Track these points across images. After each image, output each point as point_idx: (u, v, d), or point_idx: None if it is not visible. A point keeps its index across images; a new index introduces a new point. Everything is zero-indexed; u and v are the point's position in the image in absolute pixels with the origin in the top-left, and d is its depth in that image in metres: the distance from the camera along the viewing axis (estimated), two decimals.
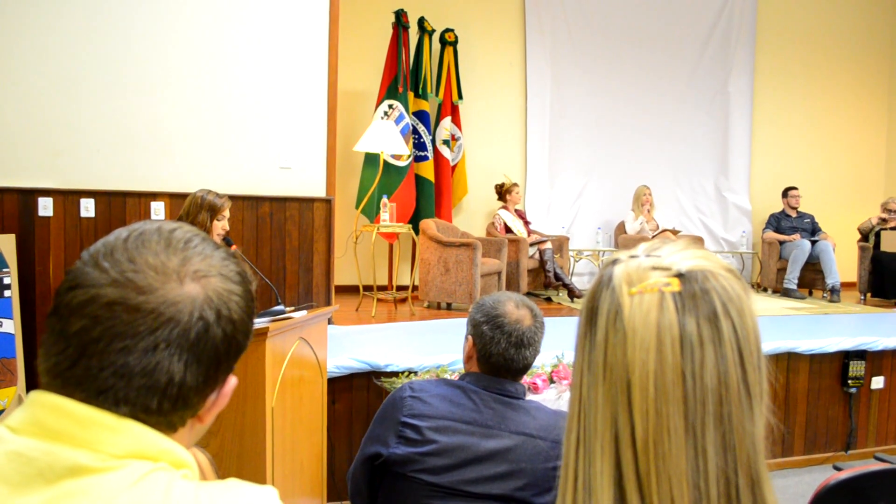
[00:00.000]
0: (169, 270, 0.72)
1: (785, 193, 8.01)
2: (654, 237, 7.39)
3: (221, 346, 0.75)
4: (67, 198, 4.36)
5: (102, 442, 0.67)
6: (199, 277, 0.74)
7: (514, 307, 1.77)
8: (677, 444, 0.67)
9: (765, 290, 7.86)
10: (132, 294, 0.70)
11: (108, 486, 0.65)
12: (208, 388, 0.76)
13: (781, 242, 7.67)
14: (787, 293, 7.40)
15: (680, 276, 0.70)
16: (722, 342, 0.69)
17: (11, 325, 3.98)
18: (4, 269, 4.00)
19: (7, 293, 3.99)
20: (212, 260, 0.76)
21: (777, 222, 7.93)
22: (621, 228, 8.01)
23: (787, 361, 4.53)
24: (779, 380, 4.52)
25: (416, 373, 3.76)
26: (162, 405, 0.71)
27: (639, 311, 0.69)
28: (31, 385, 4.11)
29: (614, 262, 0.74)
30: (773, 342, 4.48)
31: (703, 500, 0.66)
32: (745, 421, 0.69)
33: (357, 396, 3.82)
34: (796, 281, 7.39)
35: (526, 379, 3.47)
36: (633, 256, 0.74)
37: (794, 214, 7.92)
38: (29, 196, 4.29)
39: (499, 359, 1.74)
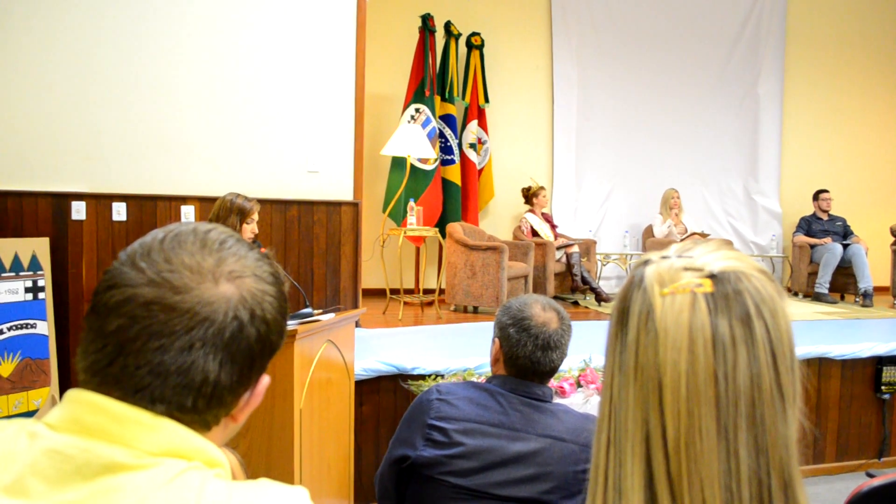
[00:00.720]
0: (204, 271, 0.74)
1: (816, 196, 7.90)
2: (682, 241, 7.35)
3: (255, 346, 0.76)
4: (100, 202, 4.43)
5: (138, 439, 0.69)
6: (233, 278, 0.75)
7: (541, 310, 1.77)
8: (709, 446, 0.66)
9: (796, 294, 7.75)
10: (168, 294, 0.71)
11: (143, 484, 0.66)
12: (242, 388, 0.77)
13: (812, 246, 7.57)
14: (818, 297, 7.29)
15: (712, 276, 0.70)
16: (755, 343, 0.68)
17: (45, 327, 4.05)
18: (39, 272, 4.07)
19: (41, 295, 4.06)
20: (246, 261, 0.78)
21: (808, 225, 7.82)
22: (649, 232, 7.95)
23: (818, 367, 4.47)
24: (810, 385, 4.46)
25: (442, 376, 3.76)
26: (197, 403, 0.73)
27: (671, 312, 0.68)
28: (65, 385, 4.18)
29: (645, 262, 0.74)
30: (804, 347, 4.41)
31: (734, 501, 0.66)
32: (777, 423, 0.69)
33: (384, 399, 3.83)
34: (828, 285, 7.28)
35: (553, 383, 3.46)
36: (664, 257, 0.74)
37: (825, 217, 7.81)
38: (62, 200, 4.37)
39: (525, 361, 1.73)
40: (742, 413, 0.67)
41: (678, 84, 8.46)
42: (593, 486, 0.74)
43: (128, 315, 0.70)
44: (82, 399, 0.70)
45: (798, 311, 6.47)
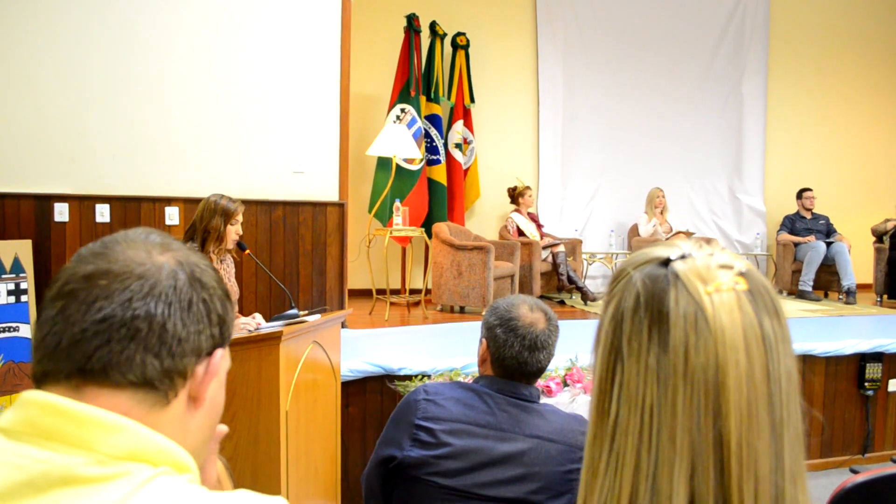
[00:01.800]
0: (137, 247, 0.76)
1: (799, 195, 7.96)
2: (667, 239, 7.39)
3: (198, 307, 0.77)
4: (83, 203, 4.39)
5: (98, 441, 0.66)
6: (165, 250, 0.78)
7: (528, 310, 1.77)
8: (763, 445, 0.66)
9: (780, 292, 7.79)
10: (104, 263, 0.73)
11: (106, 497, 0.63)
12: (192, 350, 0.76)
13: (796, 244, 7.62)
14: (802, 295, 7.35)
15: (742, 274, 0.70)
16: (786, 338, 0.70)
17: (28, 330, 4.02)
18: (21, 275, 4.03)
19: (24, 298, 4.02)
20: (173, 242, 0.80)
21: (791, 224, 7.87)
22: (634, 231, 7.98)
23: (802, 364, 4.46)
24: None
25: (429, 376, 3.76)
26: (146, 363, 0.72)
27: (723, 311, 0.67)
28: None
29: (666, 262, 0.71)
30: None
31: (781, 498, 0.66)
32: (799, 415, 0.70)
33: (371, 400, 3.83)
34: (811, 283, 7.34)
35: (540, 382, 3.46)
36: (686, 255, 0.71)
37: (808, 216, 7.87)
38: (45, 202, 4.33)
39: (512, 362, 1.73)
40: (786, 408, 0.68)
41: (663, 83, 8.50)
42: (598, 496, 0.70)
43: (69, 293, 0.71)
44: (37, 401, 0.68)
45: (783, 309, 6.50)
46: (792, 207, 8.09)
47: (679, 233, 7.66)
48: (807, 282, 7.33)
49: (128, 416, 0.69)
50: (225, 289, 0.82)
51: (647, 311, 0.69)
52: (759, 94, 8.74)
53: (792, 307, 6.65)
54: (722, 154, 8.75)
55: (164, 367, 0.73)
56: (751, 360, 0.67)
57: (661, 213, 7.78)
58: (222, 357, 0.81)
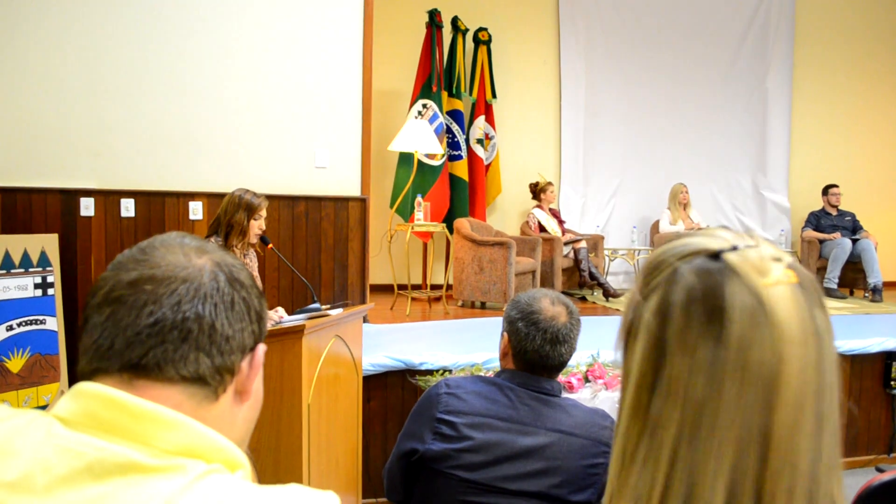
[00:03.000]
0: (175, 250, 0.79)
1: (825, 191, 7.86)
2: None
3: (240, 306, 0.80)
4: (108, 198, 4.44)
5: (156, 437, 0.69)
6: (201, 253, 0.80)
7: (550, 304, 1.76)
8: (807, 438, 0.66)
9: None
10: (147, 269, 0.75)
11: (162, 488, 0.65)
12: (238, 346, 0.79)
13: (821, 241, 7.53)
14: (827, 293, 7.25)
15: (790, 266, 0.69)
16: (831, 332, 0.69)
17: (55, 323, 4.07)
18: (48, 268, 4.09)
19: (51, 291, 4.08)
20: (208, 244, 0.83)
21: (817, 220, 7.78)
22: (657, 227, 7.93)
23: None
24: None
25: (450, 371, 3.77)
26: (199, 360, 0.75)
27: (783, 304, 0.66)
28: (74, 381, 4.19)
29: (715, 254, 0.69)
30: None
31: (817, 493, 0.66)
32: (839, 410, 0.70)
33: (391, 394, 3.84)
34: (837, 280, 7.25)
35: (561, 378, 3.46)
36: (735, 247, 0.69)
37: (834, 212, 7.77)
38: (71, 196, 4.39)
39: (534, 355, 1.73)
40: (829, 402, 0.68)
41: (687, 78, 8.43)
42: (632, 490, 0.69)
43: (116, 300, 0.74)
44: (97, 393, 0.70)
45: None
46: (817, 204, 7.98)
47: (702, 229, 7.58)
48: (832, 279, 7.25)
49: (179, 410, 0.72)
50: (258, 286, 0.85)
51: (702, 305, 0.67)
52: (784, 90, 8.63)
53: None
54: (746, 149, 8.65)
55: (215, 364, 0.76)
56: (807, 353, 0.66)
57: (685, 208, 7.72)
58: (263, 351, 0.84)
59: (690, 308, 0.67)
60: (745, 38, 8.55)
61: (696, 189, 8.08)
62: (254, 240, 3.57)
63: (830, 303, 6.74)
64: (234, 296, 0.79)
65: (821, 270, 7.46)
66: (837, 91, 8.81)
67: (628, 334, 0.73)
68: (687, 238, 0.73)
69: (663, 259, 0.72)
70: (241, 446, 0.80)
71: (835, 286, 7.22)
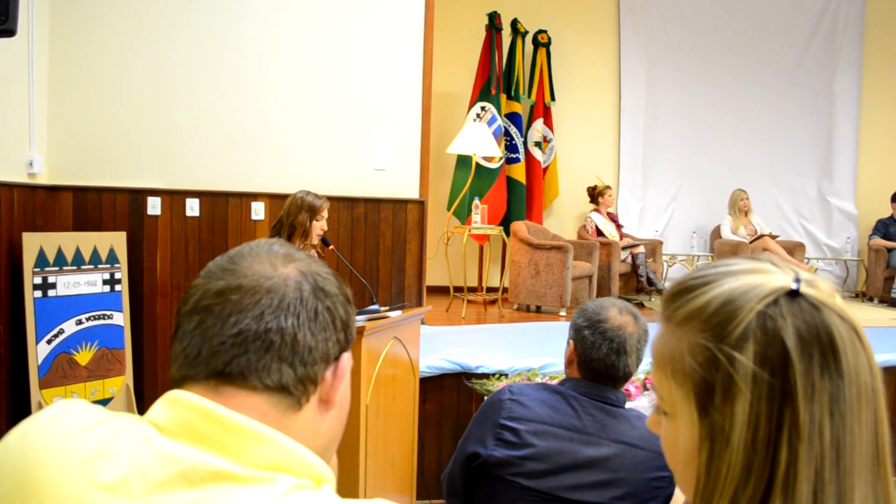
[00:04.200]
0: (262, 260, 0.80)
1: (894, 198, 7.60)
2: (751, 242, 7.18)
3: (325, 316, 0.80)
4: (174, 197, 4.56)
5: (246, 450, 0.70)
6: (288, 261, 0.81)
7: (618, 313, 1.74)
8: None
9: (870, 299, 7.48)
10: (234, 280, 0.77)
11: (255, 497, 0.67)
12: (321, 357, 0.80)
13: (889, 250, 7.28)
14: (894, 303, 7.02)
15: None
16: None
17: (121, 318, 4.19)
18: (116, 265, 4.21)
19: (118, 287, 4.20)
20: (296, 252, 0.84)
21: (885, 228, 7.52)
22: (717, 233, 7.77)
23: (894, 376, 4.30)
24: (887, 395, 4.29)
25: (506, 375, 3.76)
26: (282, 371, 0.76)
27: (860, 325, 0.69)
28: (139, 375, 4.32)
29: (794, 292, 0.69)
30: (881, 355, 4.26)
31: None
32: None
33: (447, 397, 3.85)
34: None
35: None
36: (799, 279, 0.70)
37: None
38: (139, 196, 4.51)
39: (599, 364, 1.71)
40: None
41: (749, 80, 8.24)
42: None
43: (204, 308, 0.76)
44: (191, 403, 0.72)
45: (873, 317, 6.25)
46: (886, 211, 7.72)
47: (763, 236, 7.42)
48: None
49: (265, 419, 0.74)
50: (346, 293, 0.85)
51: (816, 345, 0.67)
52: (851, 93, 8.36)
53: (884, 315, 6.36)
54: (811, 154, 8.41)
55: (298, 374, 0.77)
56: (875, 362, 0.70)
57: (745, 215, 7.55)
58: (348, 359, 0.85)
59: (806, 350, 0.66)
60: (812, 39, 8.31)
61: (758, 194, 7.89)
62: (315, 241, 3.62)
63: None
64: (318, 306, 0.79)
65: (888, 280, 7.22)
66: None
67: (711, 391, 0.69)
68: (737, 278, 0.71)
69: (738, 306, 0.69)
70: (327, 454, 0.82)
71: None
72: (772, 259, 0.73)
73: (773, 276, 0.70)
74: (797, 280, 0.69)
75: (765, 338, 0.67)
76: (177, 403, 0.73)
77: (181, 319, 0.78)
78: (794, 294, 0.68)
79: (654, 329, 0.81)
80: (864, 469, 0.67)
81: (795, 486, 0.65)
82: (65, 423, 0.72)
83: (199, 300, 0.77)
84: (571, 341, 1.78)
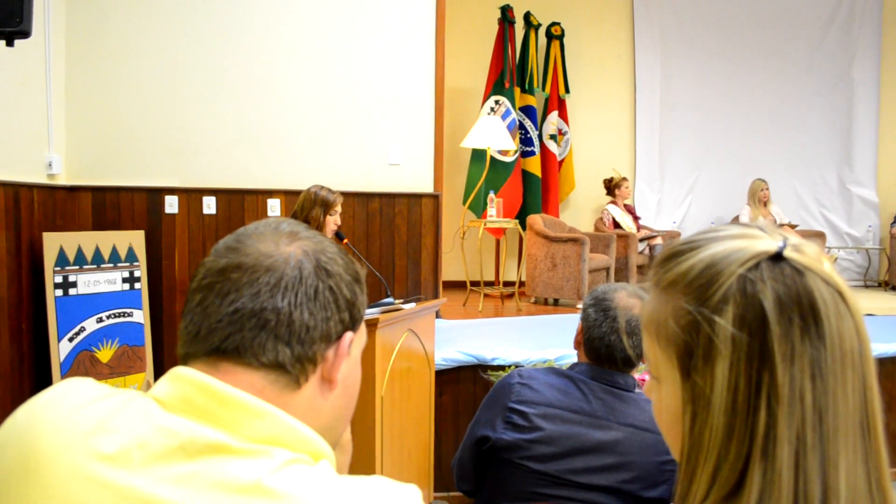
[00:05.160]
0: (266, 238, 0.81)
1: None
2: None
3: (325, 295, 0.80)
4: (191, 196, 4.60)
5: (242, 424, 0.72)
6: (293, 239, 0.81)
7: (626, 295, 1.74)
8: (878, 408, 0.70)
9: (893, 288, 7.40)
10: (236, 257, 0.78)
11: (251, 468, 0.68)
12: (320, 337, 0.79)
13: None
14: None
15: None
16: None
17: (141, 315, 4.24)
18: (135, 263, 4.26)
19: (137, 285, 4.25)
20: (302, 231, 0.84)
21: None
22: (736, 223, 7.70)
23: None
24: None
25: (522, 367, 3.76)
26: (278, 349, 0.76)
27: (847, 289, 0.69)
28: (159, 371, 4.37)
29: (778, 256, 0.68)
30: None
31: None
32: None
33: (463, 389, 3.86)
34: None
35: (637, 375, 3.41)
36: (786, 244, 0.69)
37: None
38: (156, 194, 4.56)
39: (598, 344, 1.71)
40: None
41: (767, 69, 8.16)
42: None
43: (206, 286, 0.78)
44: (192, 379, 0.74)
45: (894, 305, 6.19)
46: None
47: (783, 226, 7.33)
48: None
49: (261, 395, 0.75)
50: (355, 272, 0.85)
51: (796, 309, 0.66)
52: (871, 80, 8.25)
53: None
54: (830, 143, 8.31)
55: (295, 353, 0.78)
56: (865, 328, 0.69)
57: (765, 205, 7.48)
58: (355, 338, 0.85)
59: (784, 314, 0.66)
60: (829, 26, 8.21)
61: (777, 184, 7.81)
62: (329, 235, 3.64)
63: None
64: (318, 285, 0.79)
65: None
66: None
67: (692, 355, 0.70)
68: (722, 243, 0.71)
69: (718, 270, 0.69)
70: (331, 433, 0.82)
71: None
72: (762, 225, 0.73)
73: (758, 241, 0.70)
74: (783, 244, 0.69)
75: (744, 301, 0.67)
76: (178, 379, 0.74)
77: (188, 296, 0.80)
78: (777, 258, 0.68)
79: None
80: (851, 435, 0.66)
81: (776, 449, 0.65)
82: (69, 398, 0.74)
83: (203, 278, 0.79)
84: (580, 322, 1.79)
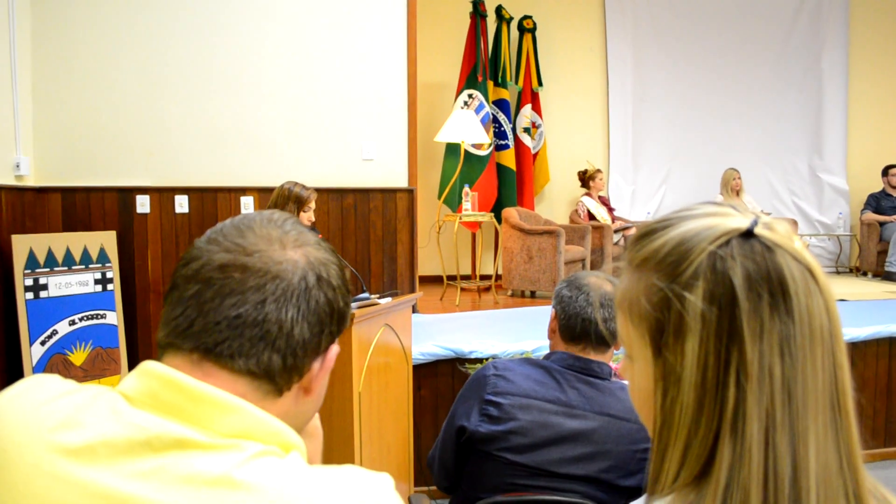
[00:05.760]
0: (273, 238, 0.79)
1: (885, 172, 7.62)
2: None
3: (324, 309, 0.79)
4: (163, 195, 4.55)
5: (212, 420, 0.71)
6: (299, 245, 0.80)
7: (596, 278, 1.78)
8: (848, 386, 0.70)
9: (864, 273, 7.51)
10: (241, 256, 0.76)
11: (218, 461, 0.67)
12: (313, 350, 0.79)
13: (882, 224, 7.31)
14: (888, 276, 7.05)
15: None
16: None
17: (114, 317, 4.20)
18: (107, 264, 4.21)
19: (110, 287, 4.20)
20: (307, 235, 0.82)
21: (876, 202, 7.55)
22: None
23: (888, 347, 4.33)
24: (880, 366, 4.33)
25: (498, 359, 3.77)
26: (271, 360, 0.75)
27: (818, 268, 0.69)
28: None
29: (748, 233, 0.69)
30: (873, 327, 4.30)
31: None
32: None
33: (442, 383, 3.86)
34: None
35: (614, 366, 3.43)
36: (757, 222, 0.70)
37: (895, 194, 7.53)
38: (127, 194, 4.51)
39: (575, 321, 1.72)
40: None
41: (737, 60, 8.24)
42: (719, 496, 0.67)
43: (204, 279, 0.75)
44: (160, 374, 0.72)
45: (867, 290, 6.28)
46: (877, 185, 7.75)
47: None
48: (893, 262, 7.02)
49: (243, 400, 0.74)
50: (345, 281, 0.84)
51: (765, 285, 0.67)
52: (839, 69, 8.36)
53: (878, 289, 6.39)
54: (801, 132, 8.42)
55: (287, 364, 0.77)
56: (834, 308, 0.70)
57: (738, 194, 7.55)
58: (337, 351, 0.85)
59: (753, 290, 0.67)
60: (798, 17, 8.31)
61: (749, 173, 7.90)
62: None
63: (891, 287, 6.54)
64: (319, 298, 0.79)
65: (881, 254, 7.26)
66: (895, 69, 8.50)
67: (663, 331, 0.70)
68: (694, 221, 0.71)
69: (689, 247, 0.70)
70: (299, 431, 0.81)
71: None
72: (734, 204, 0.73)
73: (729, 219, 0.70)
74: (754, 222, 0.69)
75: (714, 277, 0.68)
76: (146, 374, 0.73)
77: (178, 280, 0.77)
78: (748, 235, 0.69)
79: None
80: (821, 412, 0.66)
81: (745, 426, 0.65)
82: (34, 395, 0.73)
83: (201, 269, 0.76)
84: (553, 310, 1.80)
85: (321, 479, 0.70)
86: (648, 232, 0.75)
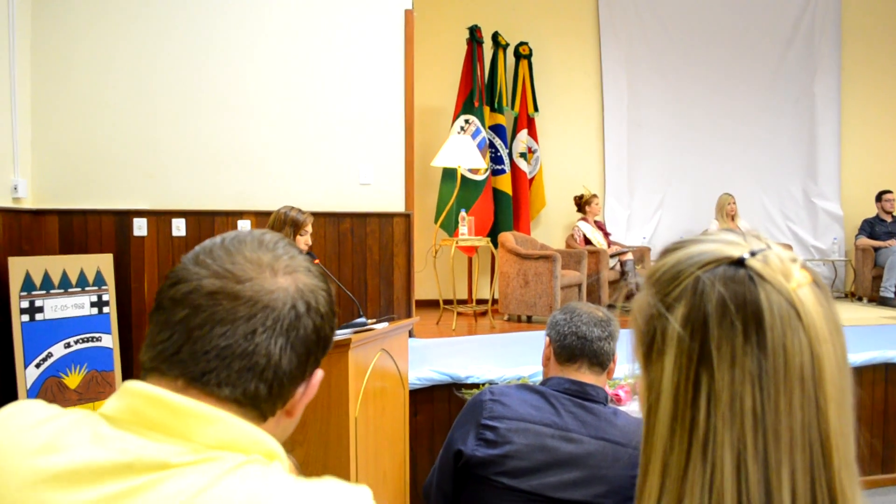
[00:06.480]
0: (263, 264, 0.78)
1: (879, 197, 7.67)
2: None
3: (312, 337, 0.80)
4: (160, 218, 4.56)
5: (195, 432, 0.71)
6: (289, 272, 0.79)
7: (588, 306, 1.83)
8: (850, 432, 0.68)
9: (859, 299, 7.52)
10: (231, 283, 0.75)
11: (193, 480, 0.68)
12: (299, 378, 0.80)
13: (876, 249, 7.34)
14: (883, 302, 7.06)
15: (804, 266, 0.70)
16: (841, 325, 0.70)
17: (110, 340, 4.18)
18: (103, 287, 4.21)
19: (106, 309, 4.19)
20: (298, 259, 0.82)
21: (871, 228, 7.59)
22: None
23: (884, 373, 4.33)
24: (876, 392, 4.32)
25: (496, 384, 3.76)
26: (258, 389, 0.76)
27: (811, 305, 0.67)
28: None
29: (739, 262, 0.69)
30: (869, 352, 4.29)
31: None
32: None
33: (438, 408, 3.85)
34: (893, 289, 7.04)
35: (609, 391, 3.42)
36: (754, 252, 0.70)
37: (888, 219, 7.57)
38: (125, 217, 4.52)
39: (572, 338, 1.76)
40: (851, 393, 0.70)
41: (731, 85, 8.31)
42: None
43: (193, 305, 0.75)
44: (142, 392, 0.73)
45: (862, 315, 6.29)
46: (871, 211, 7.79)
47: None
48: (889, 288, 7.05)
49: None
50: (333, 306, 0.84)
51: (739, 315, 0.66)
52: (832, 94, 8.44)
53: (872, 314, 6.40)
54: (795, 157, 8.48)
55: (273, 393, 0.77)
56: (836, 350, 0.68)
57: (732, 219, 7.58)
58: (321, 376, 0.86)
59: (726, 318, 0.67)
60: (791, 44, 8.40)
61: (744, 198, 7.93)
62: None
63: (886, 312, 6.56)
64: (308, 326, 0.79)
65: (876, 279, 7.27)
66: (889, 93, 8.58)
67: (650, 347, 0.72)
68: (699, 245, 0.72)
69: (681, 269, 0.71)
70: None
71: (891, 295, 7.02)
72: (753, 233, 0.74)
73: (731, 247, 0.71)
74: (751, 253, 0.69)
75: (693, 301, 0.68)
76: (127, 393, 0.73)
77: (164, 302, 0.76)
78: (738, 264, 0.69)
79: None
80: (799, 451, 0.65)
81: (716, 450, 0.66)
82: (17, 420, 0.74)
83: (190, 293, 0.75)
84: (547, 337, 1.82)
85: (300, 489, 0.71)
86: (664, 250, 0.77)
